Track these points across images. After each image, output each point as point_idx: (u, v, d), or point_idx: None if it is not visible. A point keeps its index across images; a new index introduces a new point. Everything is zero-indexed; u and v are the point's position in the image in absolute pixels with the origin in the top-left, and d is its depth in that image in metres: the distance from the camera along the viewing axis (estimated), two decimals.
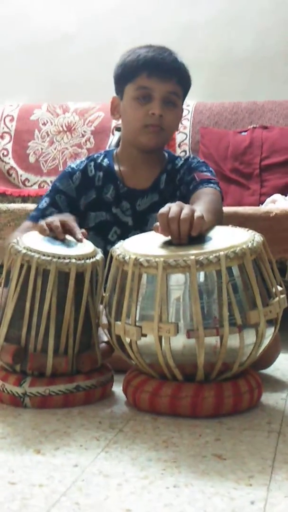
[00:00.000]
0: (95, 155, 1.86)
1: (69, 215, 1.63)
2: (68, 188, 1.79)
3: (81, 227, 1.58)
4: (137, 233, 1.67)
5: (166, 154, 1.84)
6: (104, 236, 1.78)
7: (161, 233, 1.38)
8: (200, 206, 1.50)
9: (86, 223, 1.78)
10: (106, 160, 1.82)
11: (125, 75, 1.73)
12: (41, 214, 1.76)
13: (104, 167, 1.81)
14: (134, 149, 1.78)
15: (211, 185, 1.69)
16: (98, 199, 1.79)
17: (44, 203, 1.79)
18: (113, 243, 1.75)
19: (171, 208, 1.37)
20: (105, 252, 1.55)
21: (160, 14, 3.04)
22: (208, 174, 1.73)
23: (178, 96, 1.73)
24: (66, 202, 1.78)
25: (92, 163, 1.82)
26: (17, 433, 1.26)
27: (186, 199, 1.66)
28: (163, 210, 1.38)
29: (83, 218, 1.78)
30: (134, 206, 1.78)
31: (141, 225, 1.76)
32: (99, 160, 1.83)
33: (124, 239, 1.60)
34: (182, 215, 1.35)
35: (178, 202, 1.40)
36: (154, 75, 1.69)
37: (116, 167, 1.81)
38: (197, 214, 1.37)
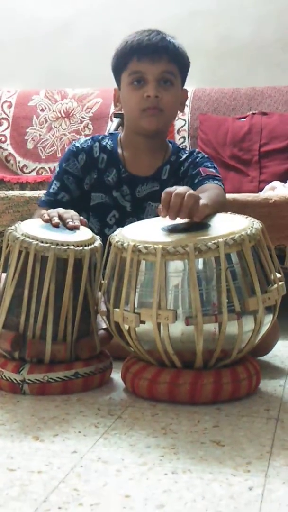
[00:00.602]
0: (100, 136, 1.84)
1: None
2: (75, 168, 1.79)
3: (84, 210, 1.57)
4: (135, 220, 1.67)
5: (171, 145, 1.83)
6: (102, 219, 1.78)
7: (161, 210, 1.38)
8: (205, 196, 1.50)
9: (89, 203, 1.78)
10: (110, 143, 1.82)
11: (119, 64, 1.73)
12: (53, 198, 1.76)
13: (108, 150, 1.80)
14: (137, 136, 1.77)
15: (216, 182, 1.70)
16: (99, 181, 1.79)
17: (54, 186, 1.78)
18: (111, 226, 1.75)
19: (178, 187, 1.39)
20: (103, 235, 1.55)
21: (157, 3, 3.02)
22: (213, 170, 1.74)
23: (173, 75, 1.71)
24: (74, 184, 1.78)
25: (97, 144, 1.81)
26: (16, 419, 1.26)
27: None
28: (169, 188, 1.39)
29: (87, 198, 1.78)
30: (134, 192, 1.78)
31: (138, 212, 1.76)
32: (104, 143, 1.82)
33: (121, 223, 1.60)
34: (189, 192, 1.37)
35: (186, 186, 1.41)
36: (144, 58, 1.68)
37: (119, 151, 1.81)
38: (202, 201, 1.38)
